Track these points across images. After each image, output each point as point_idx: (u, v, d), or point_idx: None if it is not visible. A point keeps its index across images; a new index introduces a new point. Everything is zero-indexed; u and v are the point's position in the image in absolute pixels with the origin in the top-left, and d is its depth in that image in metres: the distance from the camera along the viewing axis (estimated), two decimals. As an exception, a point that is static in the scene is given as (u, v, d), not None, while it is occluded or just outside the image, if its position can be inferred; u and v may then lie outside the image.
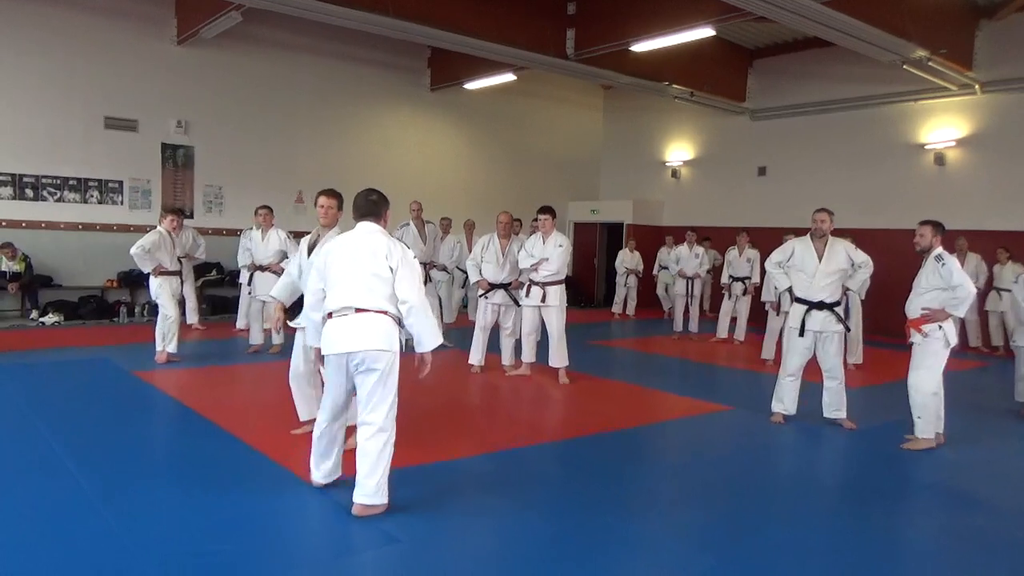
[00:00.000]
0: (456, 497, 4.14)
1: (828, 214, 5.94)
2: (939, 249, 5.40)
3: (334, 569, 3.18)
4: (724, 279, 10.75)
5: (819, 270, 5.85)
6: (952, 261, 5.33)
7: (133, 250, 7.36)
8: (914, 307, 5.42)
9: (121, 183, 11.28)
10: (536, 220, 7.50)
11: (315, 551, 3.35)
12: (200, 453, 4.84)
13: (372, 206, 3.94)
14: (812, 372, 6.05)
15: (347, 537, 3.53)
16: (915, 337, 5.41)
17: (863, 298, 8.86)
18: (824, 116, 13.17)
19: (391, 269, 3.76)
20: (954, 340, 5.37)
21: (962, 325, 10.88)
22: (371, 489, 3.66)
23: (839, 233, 8.62)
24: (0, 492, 3.92)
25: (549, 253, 7.25)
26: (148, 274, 7.64)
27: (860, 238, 9.64)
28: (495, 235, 7.67)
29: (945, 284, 5.27)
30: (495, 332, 7.83)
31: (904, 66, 10.42)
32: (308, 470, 4.10)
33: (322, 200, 4.73)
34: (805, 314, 5.85)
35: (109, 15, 10.96)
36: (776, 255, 6.15)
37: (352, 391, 3.85)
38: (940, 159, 11.83)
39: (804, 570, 3.37)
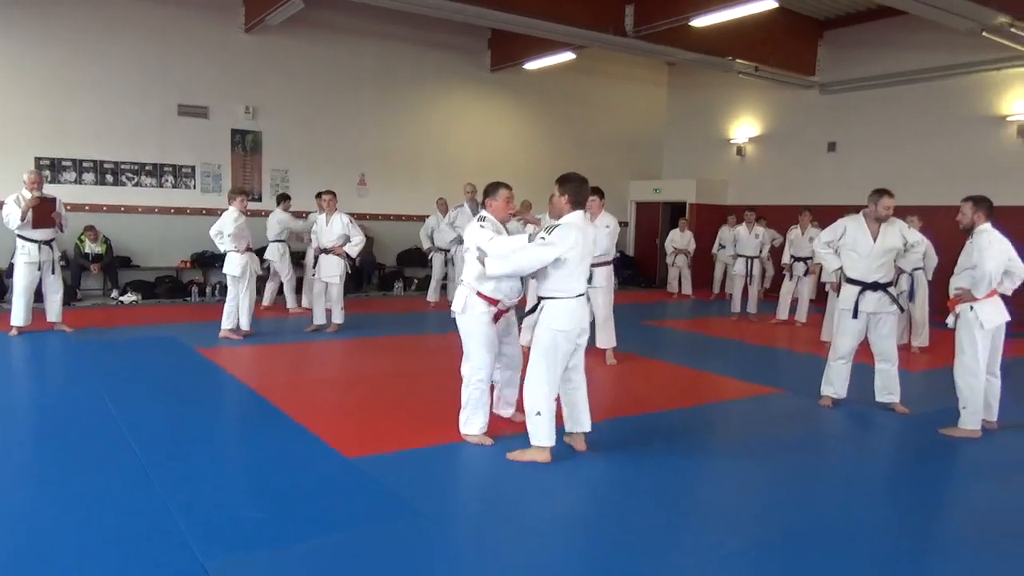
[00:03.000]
0: (490, 475, 4.24)
1: (893, 199, 5.70)
2: (983, 226, 5.13)
3: (353, 538, 3.31)
4: (785, 259, 10.50)
5: (874, 250, 5.64)
6: (984, 239, 5.06)
7: (224, 230, 7.86)
8: (952, 287, 5.22)
9: (193, 168, 11.78)
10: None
11: (338, 521, 3.48)
12: (244, 424, 5.18)
13: (484, 195, 4.78)
14: (866, 354, 5.88)
15: (372, 509, 3.66)
16: (949, 318, 5.22)
17: (930, 278, 8.52)
18: (898, 88, 12.57)
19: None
20: (991, 322, 5.08)
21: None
22: (461, 421, 4.69)
23: (914, 210, 8.34)
24: (62, 452, 4.27)
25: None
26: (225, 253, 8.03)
27: (934, 215, 9.25)
28: (547, 215, 7.68)
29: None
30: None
31: (984, 33, 9.81)
32: (341, 442, 4.39)
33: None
34: (859, 295, 5.67)
35: (180, 5, 11.39)
36: (826, 234, 5.92)
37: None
38: (1023, 131, 11.17)
39: (837, 557, 3.32)
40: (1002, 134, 11.43)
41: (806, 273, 10.26)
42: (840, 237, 5.78)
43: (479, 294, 4.59)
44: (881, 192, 5.64)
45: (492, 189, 4.74)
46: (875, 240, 5.63)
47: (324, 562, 3.08)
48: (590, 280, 7.22)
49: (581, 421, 4.55)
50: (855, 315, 5.67)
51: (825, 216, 12.16)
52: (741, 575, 3.16)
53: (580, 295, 4.39)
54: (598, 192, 7.32)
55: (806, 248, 10.15)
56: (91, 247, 10.62)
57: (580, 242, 4.27)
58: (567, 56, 12.89)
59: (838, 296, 8.06)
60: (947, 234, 8.64)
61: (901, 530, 3.67)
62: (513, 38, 12.72)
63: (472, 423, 4.65)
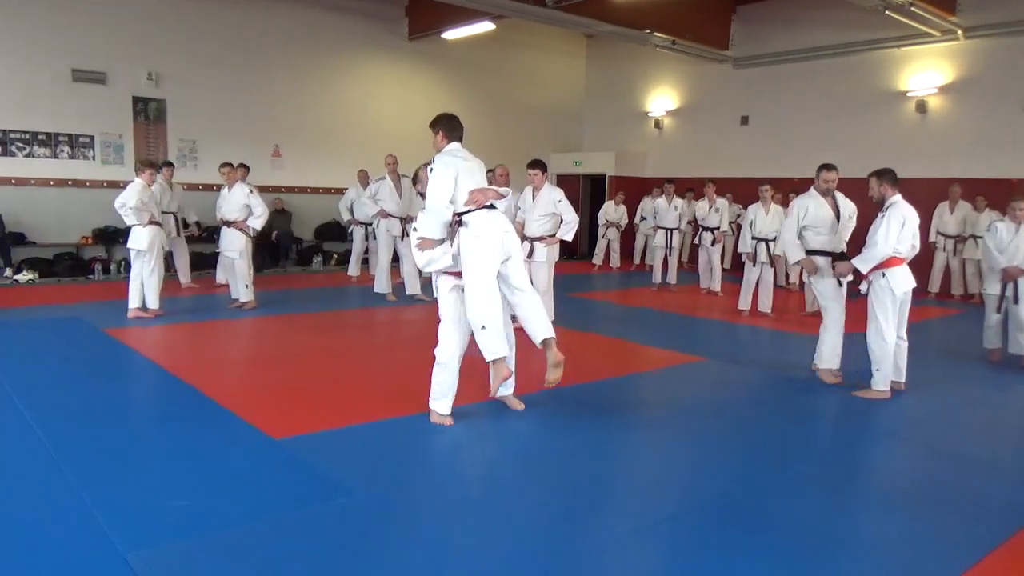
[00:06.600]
0: (421, 452, 4.17)
1: (832, 172, 5.86)
2: (895, 198, 5.35)
3: (283, 522, 3.19)
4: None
5: (840, 220, 5.82)
6: (894, 213, 5.25)
7: (127, 202, 7.39)
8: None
9: (92, 138, 11.07)
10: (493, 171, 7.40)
11: (267, 505, 3.35)
12: (163, 408, 4.90)
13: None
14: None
15: (302, 491, 3.55)
16: (862, 285, 5.44)
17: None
18: (807, 64, 13.00)
19: None
20: (901, 289, 5.33)
21: (945, 273, 11.01)
22: None
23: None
24: (-39, 450, 3.93)
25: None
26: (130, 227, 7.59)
27: (842, 187, 9.56)
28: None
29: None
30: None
31: (886, 11, 10.24)
32: (268, 423, 4.21)
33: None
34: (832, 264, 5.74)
35: (72, -38, 10.61)
36: (791, 223, 5.85)
37: None
38: (922, 106, 11.74)
39: (761, 518, 3.42)
40: (902, 109, 12.00)
41: (713, 243, 10.56)
42: (804, 217, 5.83)
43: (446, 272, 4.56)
44: (823, 167, 5.85)
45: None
46: (837, 212, 5.81)
47: (253, 549, 2.95)
48: (531, 254, 7.29)
49: (536, 333, 4.49)
50: (841, 283, 5.75)
51: (740, 187, 12.54)
52: (672, 539, 3.21)
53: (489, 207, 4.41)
54: (539, 165, 7.29)
55: (713, 219, 10.50)
56: (-21, 223, 9.88)
57: (459, 165, 4.44)
58: (486, 26, 12.71)
59: (754, 266, 8.25)
60: (855, 205, 9.01)
61: (820, 491, 3.81)
62: (430, 6, 12.43)
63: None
